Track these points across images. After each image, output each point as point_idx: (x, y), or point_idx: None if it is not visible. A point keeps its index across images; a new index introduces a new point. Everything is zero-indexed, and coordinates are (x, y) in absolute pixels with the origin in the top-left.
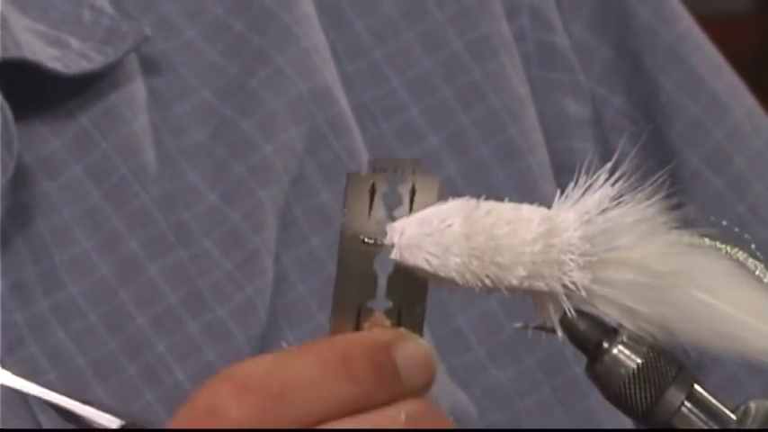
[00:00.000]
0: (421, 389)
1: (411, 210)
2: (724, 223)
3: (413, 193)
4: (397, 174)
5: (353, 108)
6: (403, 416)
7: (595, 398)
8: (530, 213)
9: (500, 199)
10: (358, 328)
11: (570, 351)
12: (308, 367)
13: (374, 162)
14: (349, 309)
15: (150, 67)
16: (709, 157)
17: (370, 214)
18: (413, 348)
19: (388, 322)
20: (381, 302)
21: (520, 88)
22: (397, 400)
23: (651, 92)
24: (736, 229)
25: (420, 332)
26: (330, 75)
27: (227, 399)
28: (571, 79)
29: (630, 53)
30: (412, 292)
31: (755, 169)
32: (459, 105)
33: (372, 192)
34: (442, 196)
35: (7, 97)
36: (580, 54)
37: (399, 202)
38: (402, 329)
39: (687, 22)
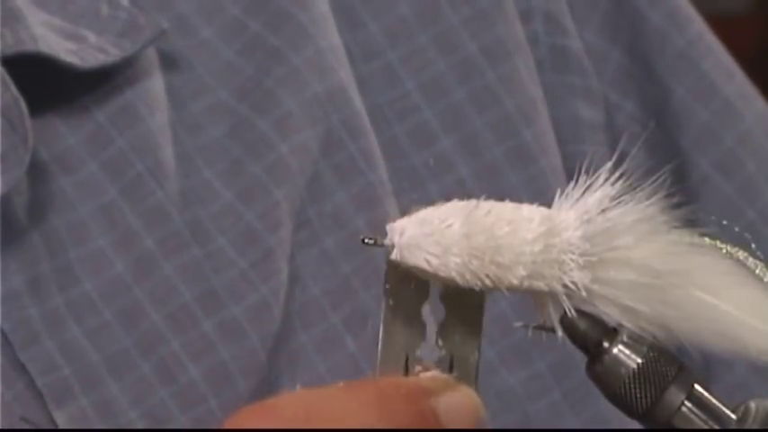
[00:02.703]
0: None
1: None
2: (736, 229)
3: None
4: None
5: (367, 109)
6: None
7: (605, 402)
8: (530, 213)
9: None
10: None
11: (581, 355)
12: (341, 400)
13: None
14: (396, 356)
15: (167, 64)
16: (720, 163)
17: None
18: (458, 398)
19: (438, 371)
20: (433, 351)
21: (533, 91)
22: None
23: (662, 97)
24: (747, 235)
25: (472, 383)
26: (345, 75)
27: (252, 421)
28: (584, 83)
29: (642, 58)
30: (465, 341)
31: (767, 174)
32: (472, 108)
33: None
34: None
35: (23, 92)
36: (592, 58)
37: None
38: (450, 378)
39: (699, 27)
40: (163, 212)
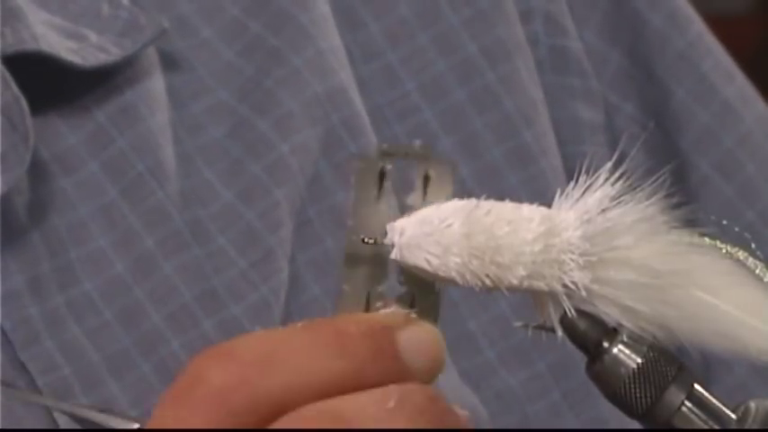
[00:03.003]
0: (425, 374)
1: (425, 196)
2: (736, 229)
3: (426, 179)
4: (408, 159)
5: (368, 110)
6: (394, 398)
7: (605, 403)
8: (530, 213)
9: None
10: (367, 312)
11: (581, 356)
12: (299, 339)
13: (383, 147)
14: (357, 293)
15: (168, 64)
16: (720, 164)
17: (379, 200)
18: (418, 332)
19: (398, 307)
20: (394, 288)
21: (533, 92)
22: (394, 383)
23: (662, 98)
24: (747, 235)
25: (433, 319)
26: (346, 76)
27: (211, 366)
28: (584, 84)
29: (642, 59)
30: (426, 279)
31: (766, 176)
32: (472, 108)
33: (381, 177)
34: (457, 182)
35: (24, 90)
36: (592, 60)
37: (411, 189)
38: (412, 314)
39: (699, 28)
40: (163, 212)
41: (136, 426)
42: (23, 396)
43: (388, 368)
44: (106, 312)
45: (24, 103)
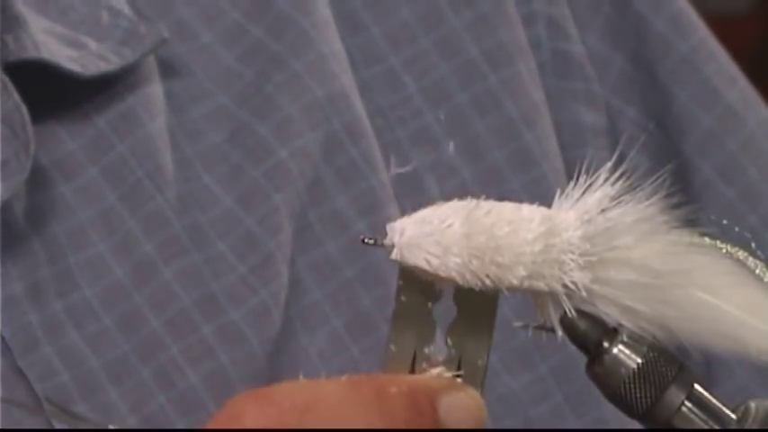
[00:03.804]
0: None
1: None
2: (736, 229)
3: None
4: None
5: (369, 114)
6: None
7: (607, 406)
8: (530, 213)
9: None
10: (412, 373)
11: (583, 359)
12: (339, 392)
13: None
14: (404, 354)
15: (167, 70)
16: (722, 168)
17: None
18: (460, 398)
19: (444, 370)
20: (441, 350)
21: (535, 95)
22: None
23: (665, 102)
24: (747, 235)
25: (478, 385)
26: (347, 80)
27: (249, 407)
28: (586, 88)
29: (645, 64)
30: (474, 342)
31: None
32: (474, 112)
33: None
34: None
35: (24, 97)
36: (595, 63)
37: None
38: (455, 379)
39: (702, 33)
40: (162, 218)
41: None
42: (27, 410)
43: (424, 430)
44: (105, 318)
45: (25, 111)
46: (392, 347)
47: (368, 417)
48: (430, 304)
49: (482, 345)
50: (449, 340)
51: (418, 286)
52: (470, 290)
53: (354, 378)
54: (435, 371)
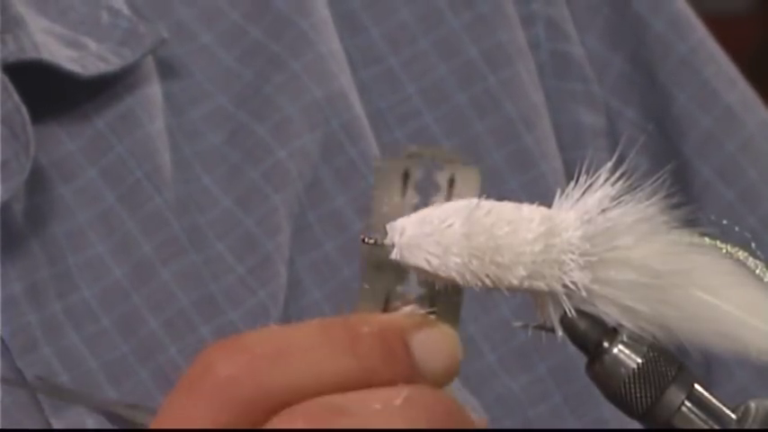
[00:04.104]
0: (438, 377)
1: (450, 199)
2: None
3: (452, 181)
4: (434, 161)
5: (368, 114)
6: (401, 397)
7: (607, 407)
8: (530, 213)
9: None
10: (385, 312)
11: (582, 360)
12: (310, 336)
13: (410, 148)
14: (377, 293)
15: (166, 70)
16: (722, 170)
17: (402, 200)
18: (433, 334)
19: (417, 307)
20: (415, 288)
21: (535, 96)
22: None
23: (664, 104)
24: (747, 234)
25: (453, 322)
26: (346, 81)
27: (220, 357)
28: (585, 89)
29: (644, 65)
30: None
31: None
32: (473, 113)
33: (405, 178)
34: (483, 188)
35: (24, 98)
36: (594, 65)
37: (437, 190)
38: (430, 317)
39: (701, 34)
40: (161, 218)
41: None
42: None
43: (398, 369)
44: (104, 319)
45: (25, 111)
46: (365, 286)
47: (340, 359)
48: None
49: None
50: (420, 277)
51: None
52: None
53: (326, 320)
54: (408, 308)
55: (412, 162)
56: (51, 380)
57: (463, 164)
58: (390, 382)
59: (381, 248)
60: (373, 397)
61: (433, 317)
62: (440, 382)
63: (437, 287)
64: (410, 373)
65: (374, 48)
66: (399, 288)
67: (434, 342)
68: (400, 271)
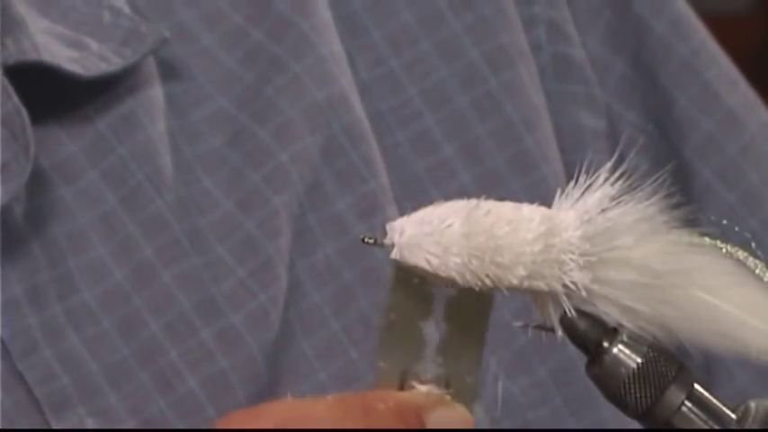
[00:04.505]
0: None
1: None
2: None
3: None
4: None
5: (369, 117)
6: None
7: (607, 409)
8: (530, 213)
9: None
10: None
11: (583, 362)
12: (326, 411)
13: None
14: (392, 370)
15: (168, 72)
16: (723, 172)
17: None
18: (448, 414)
19: (433, 387)
20: (431, 368)
21: (536, 99)
22: None
23: (665, 106)
24: (747, 234)
25: (468, 402)
26: (347, 83)
27: (237, 423)
28: (586, 92)
29: (646, 68)
30: (464, 360)
31: None
32: (474, 115)
33: None
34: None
35: (25, 99)
36: (595, 67)
37: None
38: (444, 395)
39: (703, 36)
40: (162, 221)
41: None
42: None
43: None
44: (105, 321)
45: (25, 114)
46: (381, 364)
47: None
48: (420, 323)
49: (472, 362)
50: (438, 358)
51: (408, 304)
52: (461, 307)
53: (342, 396)
54: (424, 388)
55: None
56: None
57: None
58: None
59: (399, 326)
60: None
61: (448, 397)
62: None
63: (452, 367)
64: None
65: (375, 50)
66: (416, 367)
67: (450, 422)
68: (416, 349)
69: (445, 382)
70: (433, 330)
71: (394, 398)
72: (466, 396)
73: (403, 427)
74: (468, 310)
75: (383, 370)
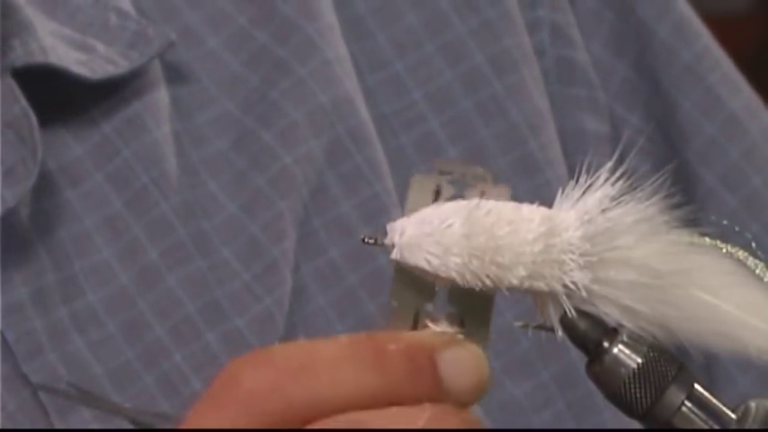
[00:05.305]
0: (464, 397)
1: None
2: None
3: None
4: (465, 179)
5: (374, 119)
6: (425, 417)
7: (609, 412)
8: (530, 213)
9: None
10: (414, 330)
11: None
12: (337, 351)
13: (440, 164)
14: (405, 310)
15: (173, 75)
16: (725, 176)
17: None
18: (461, 353)
19: (446, 326)
20: (445, 307)
21: (540, 102)
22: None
23: (668, 110)
24: (747, 235)
25: (482, 342)
26: (351, 86)
27: (246, 369)
28: (590, 95)
29: (649, 72)
30: (478, 300)
31: None
32: (479, 118)
33: (437, 195)
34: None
35: (32, 102)
36: (598, 71)
37: None
38: (457, 335)
39: (706, 40)
40: (167, 224)
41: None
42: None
43: (424, 388)
44: (109, 324)
45: (33, 116)
46: (394, 303)
47: (365, 375)
48: None
49: (485, 301)
50: (452, 296)
51: None
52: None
53: (353, 336)
54: (437, 328)
55: (444, 179)
56: (82, 388)
57: (494, 181)
58: (415, 401)
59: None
60: (397, 415)
61: (461, 336)
62: (466, 401)
63: (467, 306)
64: (436, 392)
65: (380, 53)
66: (429, 306)
67: (462, 361)
68: (430, 288)
69: (459, 321)
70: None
71: (405, 338)
72: (480, 336)
73: (414, 368)
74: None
75: (395, 309)
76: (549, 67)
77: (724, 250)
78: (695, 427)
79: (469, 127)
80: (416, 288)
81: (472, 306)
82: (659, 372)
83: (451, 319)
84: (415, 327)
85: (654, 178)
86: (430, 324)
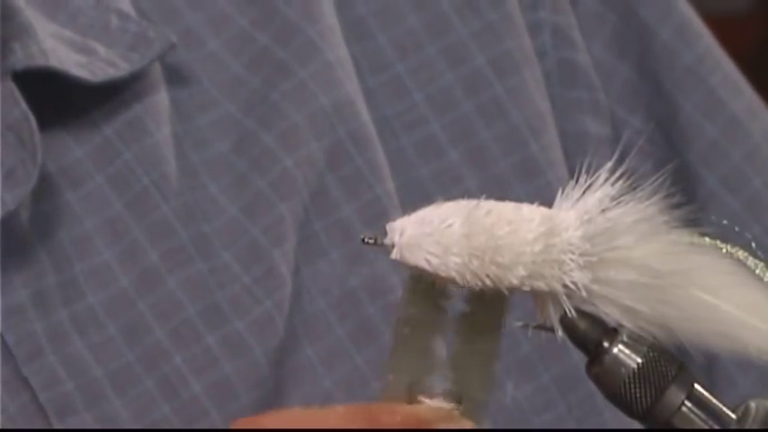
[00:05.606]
0: None
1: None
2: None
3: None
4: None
5: (375, 122)
6: None
7: (610, 414)
8: (530, 213)
9: None
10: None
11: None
12: (331, 419)
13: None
14: (401, 384)
15: (174, 77)
16: (727, 179)
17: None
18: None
19: (442, 402)
20: (441, 382)
21: (541, 104)
22: None
23: (670, 112)
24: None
25: (478, 419)
26: (353, 88)
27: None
28: (591, 98)
29: (650, 73)
30: (476, 376)
31: None
32: (480, 120)
33: None
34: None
35: (32, 104)
36: (600, 73)
37: None
38: (453, 411)
39: (708, 42)
40: (167, 227)
41: None
42: None
43: None
44: (110, 327)
45: (33, 120)
46: (390, 377)
47: None
48: (432, 336)
49: (484, 378)
50: (449, 372)
51: (421, 318)
52: (473, 323)
53: (350, 407)
54: (433, 402)
55: None
56: None
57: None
58: None
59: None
60: None
61: (457, 412)
62: None
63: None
64: None
65: (381, 55)
66: (426, 380)
67: None
68: (427, 363)
69: (456, 397)
70: (444, 345)
71: (401, 411)
72: (476, 412)
73: None
74: (481, 326)
75: (391, 382)
76: (551, 69)
77: (724, 250)
78: (695, 427)
79: (470, 129)
80: (414, 360)
81: (471, 380)
82: (659, 372)
83: (448, 395)
84: (410, 401)
85: (654, 178)
86: (426, 400)
